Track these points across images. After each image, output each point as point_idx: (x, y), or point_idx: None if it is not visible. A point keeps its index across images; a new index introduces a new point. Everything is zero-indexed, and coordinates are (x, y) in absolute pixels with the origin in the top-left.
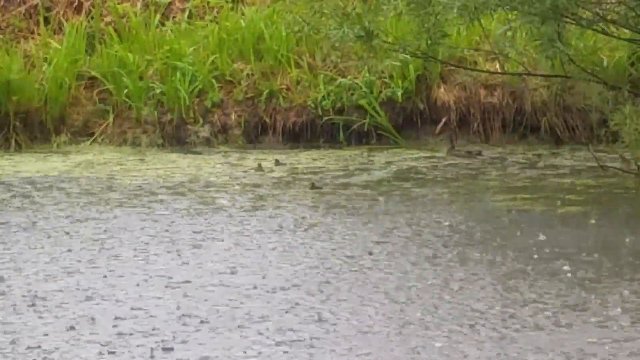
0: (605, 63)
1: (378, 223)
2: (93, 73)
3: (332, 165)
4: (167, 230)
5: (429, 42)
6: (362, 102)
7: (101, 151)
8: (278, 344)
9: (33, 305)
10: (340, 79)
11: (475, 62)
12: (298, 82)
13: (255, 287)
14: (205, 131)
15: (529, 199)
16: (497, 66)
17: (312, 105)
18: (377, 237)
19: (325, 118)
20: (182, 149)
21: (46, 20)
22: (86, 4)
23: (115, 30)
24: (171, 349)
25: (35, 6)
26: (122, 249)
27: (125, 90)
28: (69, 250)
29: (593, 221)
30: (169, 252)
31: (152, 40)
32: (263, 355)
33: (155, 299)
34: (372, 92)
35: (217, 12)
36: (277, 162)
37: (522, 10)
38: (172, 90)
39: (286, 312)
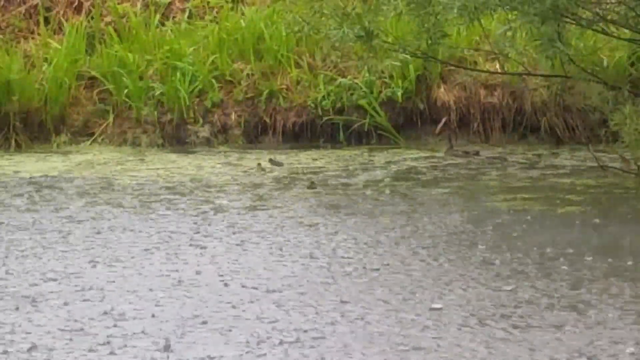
0: (605, 63)
1: (378, 223)
2: (93, 73)
3: (332, 165)
4: (167, 230)
5: (429, 42)
6: (362, 102)
7: (101, 151)
8: (279, 343)
9: (34, 305)
10: (340, 79)
11: (475, 62)
12: (298, 82)
13: (255, 288)
14: (205, 131)
15: (529, 199)
16: (497, 66)
17: (312, 105)
18: (376, 237)
19: (325, 118)
20: (182, 149)
21: (46, 20)
22: (86, 4)
23: (115, 30)
24: (172, 349)
25: (35, 6)
26: (122, 249)
27: (125, 90)
28: (69, 250)
29: (593, 221)
30: (169, 252)
31: (152, 40)
32: (264, 355)
33: (156, 299)
34: (372, 92)
35: (217, 12)
36: (272, 161)
37: (522, 10)
38: (172, 90)
39: (287, 312)
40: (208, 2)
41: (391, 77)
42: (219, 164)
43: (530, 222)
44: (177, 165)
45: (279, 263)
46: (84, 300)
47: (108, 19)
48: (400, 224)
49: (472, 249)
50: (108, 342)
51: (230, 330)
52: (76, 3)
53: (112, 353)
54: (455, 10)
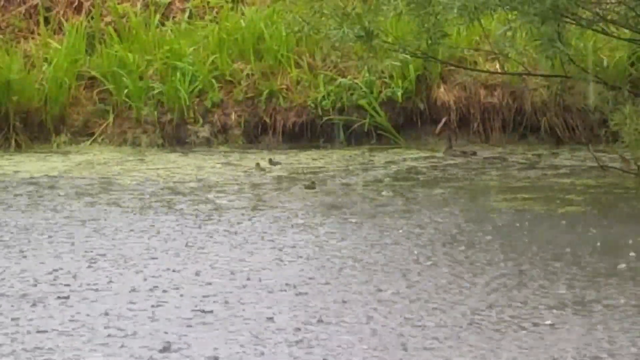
0: (605, 63)
1: (378, 223)
2: (93, 73)
3: (332, 165)
4: (167, 231)
5: (429, 42)
6: (362, 102)
7: (101, 151)
8: (280, 343)
9: (34, 305)
10: (340, 79)
11: (475, 62)
12: (298, 82)
13: (256, 287)
14: (205, 131)
15: (529, 199)
16: (497, 66)
17: (312, 105)
18: (376, 237)
19: (325, 118)
20: (182, 149)
21: (46, 20)
22: (86, 4)
23: (115, 30)
24: (174, 349)
25: (35, 6)
26: (122, 249)
27: (125, 90)
28: (69, 250)
29: (593, 221)
30: (168, 252)
31: (152, 40)
32: (265, 355)
33: (156, 299)
34: (372, 92)
35: (217, 12)
36: (271, 161)
37: (522, 10)
38: (172, 90)
39: (287, 312)
40: (208, 2)
41: (391, 77)
42: (219, 164)
43: (530, 222)
44: (177, 166)
45: (279, 263)
46: (84, 300)
47: (108, 19)
48: (400, 224)
49: (471, 249)
50: (107, 343)
51: (231, 331)
52: (76, 3)
53: (111, 354)
54: (455, 10)
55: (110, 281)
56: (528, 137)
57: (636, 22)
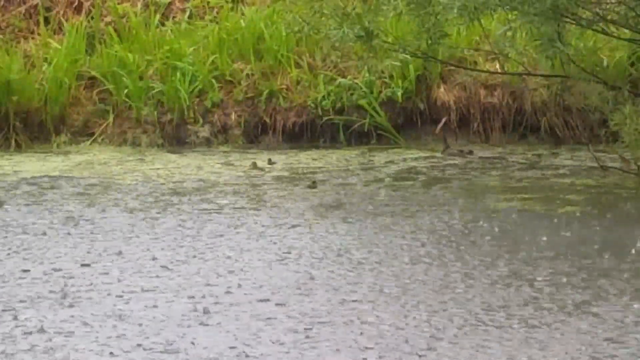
0: (605, 63)
1: (378, 223)
2: (93, 73)
3: (332, 165)
4: (167, 231)
5: (429, 42)
6: (362, 102)
7: (101, 151)
8: (281, 343)
9: (34, 306)
10: (340, 79)
11: (475, 62)
12: (298, 82)
13: (256, 287)
14: (205, 131)
15: (529, 199)
16: (497, 66)
17: (312, 105)
18: (376, 237)
19: (325, 118)
20: (182, 149)
21: (46, 20)
22: (86, 4)
23: (115, 30)
24: (174, 350)
25: (35, 6)
26: (121, 249)
27: (125, 90)
28: (69, 251)
29: (593, 221)
30: (169, 252)
31: (152, 40)
32: (265, 355)
33: (156, 299)
34: (372, 92)
35: (217, 12)
36: (270, 161)
37: (522, 10)
38: (172, 90)
39: (288, 312)
40: (208, 2)
41: (391, 77)
42: (218, 164)
43: (530, 222)
44: (177, 166)
45: (279, 263)
46: (83, 301)
47: (108, 19)
48: (400, 224)
49: (471, 249)
50: (106, 343)
51: (231, 331)
52: (76, 3)
53: (111, 354)
54: (455, 10)
55: (110, 281)
56: (528, 137)
57: (636, 22)
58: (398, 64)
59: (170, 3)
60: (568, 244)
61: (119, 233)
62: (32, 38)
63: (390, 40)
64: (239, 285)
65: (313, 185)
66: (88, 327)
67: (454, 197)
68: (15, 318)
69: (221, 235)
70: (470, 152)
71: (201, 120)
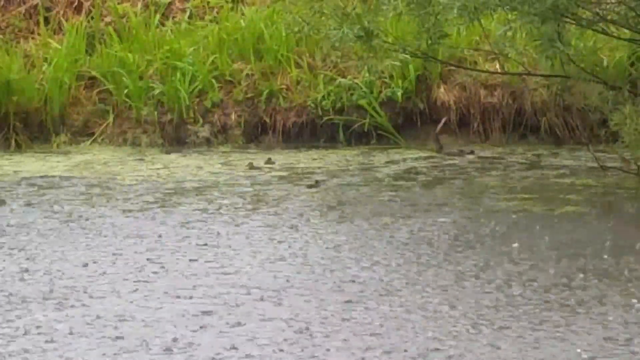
0: (605, 63)
1: (378, 223)
2: (93, 73)
3: (332, 165)
4: (167, 231)
5: (429, 42)
6: (362, 102)
7: (101, 151)
8: (281, 343)
9: (34, 306)
10: (340, 79)
11: (475, 62)
12: (298, 82)
13: (257, 287)
14: (205, 131)
15: (529, 199)
16: (497, 66)
17: (312, 105)
18: (376, 237)
19: (325, 118)
20: (182, 149)
21: (46, 20)
22: (86, 4)
23: (115, 30)
24: (175, 350)
25: (35, 6)
26: (122, 249)
27: (125, 90)
28: (69, 251)
29: (593, 221)
30: (169, 252)
31: (152, 40)
32: (264, 356)
33: (157, 298)
34: (372, 92)
35: (217, 12)
36: (270, 161)
37: (522, 10)
38: (172, 90)
39: (288, 312)
40: (208, 2)
41: (391, 77)
42: (219, 164)
43: (530, 222)
44: (177, 165)
45: (280, 262)
46: (85, 300)
47: (108, 19)
48: (400, 224)
49: (471, 249)
50: (107, 344)
51: (232, 330)
52: (76, 3)
53: (110, 354)
54: (455, 10)
55: (109, 281)
56: (528, 137)
57: (636, 22)
58: (398, 64)
59: (170, 3)
60: (568, 244)
61: (118, 233)
62: (32, 38)
63: (390, 40)
64: (239, 285)
65: (315, 184)
66: (87, 327)
67: (453, 197)
68: (15, 318)
69: (221, 235)
70: (472, 152)
71: (201, 120)
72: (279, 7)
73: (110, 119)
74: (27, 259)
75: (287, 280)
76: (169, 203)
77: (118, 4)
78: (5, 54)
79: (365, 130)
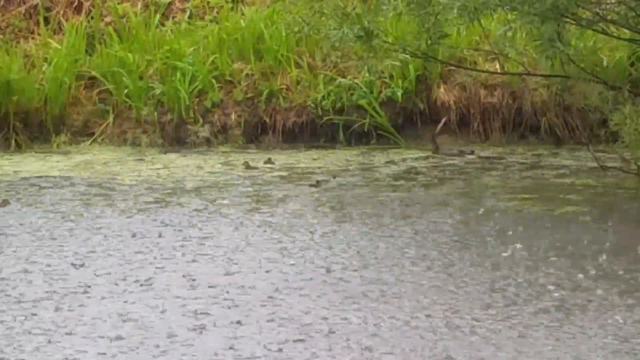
0: (605, 63)
1: (378, 223)
2: (93, 73)
3: (332, 165)
4: (167, 231)
5: (429, 42)
6: (362, 102)
7: (101, 151)
8: (281, 342)
9: (35, 306)
10: (340, 79)
11: (475, 62)
12: (298, 82)
13: (257, 287)
14: (205, 131)
15: (529, 199)
16: (497, 66)
17: (312, 105)
18: (376, 237)
19: (325, 118)
20: (182, 149)
21: (46, 20)
22: (86, 4)
23: (115, 30)
24: (175, 349)
25: (35, 6)
26: (122, 249)
27: (125, 90)
28: (69, 250)
29: (593, 221)
30: (170, 252)
31: (152, 40)
32: (262, 357)
33: (156, 299)
34: (372, 92)
35: (217, 12)
36: (270, 160)
37: (522, 10)
38: (172, 90)
39: (289, 311)
40: (208, 2)
41: (391, 77)
42: (218, 164)
43: (530, 222)
44: (177, 165)
45: (280, 262)
46: (84, 300)
47: (108, 19)
48: (400, 224)
49: (471, 249)
50: (106, 344)
51: (232, 330)
52: (76, 3)
53: (115, 354)
54: (455, 11)
55: (109, 281)
56: (528, 137)
57: (636, 22)
58: (398, 64)
59: (170, 3)
60: (568, 244)
61: (118, 233)
62: (32, 38)
63: (390, 40)
64: (239, 285)
65: (317, 184)
66: (87, 327)
67: (454, 197)
68: (15, 318)
69: (221, 235)
70: (472, 152)
71: (201, 120)
72: (279, 7)
73: (110, 119)
74: (27, 259)
75: (287, 280)
76: (169, 203)
77: (118, 4)
78: (5, 54)
79: (365, 130)
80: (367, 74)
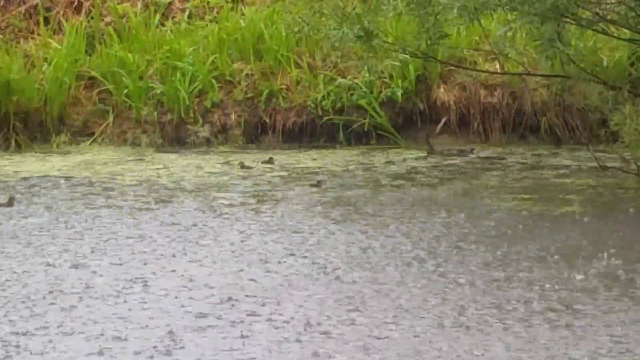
0: (605, 63)
1: (377, 223)
2: (93, 73)
3: (332, 165)
4: (167, 230)
5: (429, 42)
6: (362, 102)
7: (101, 151)
8: (282, 342)
9: (36, 306)
10: (340, 79)
11: (475, 62)
12: (298, 82)
13: (258, 287)
14: (205, 131)
15: (528, 199)
16: (497, 66)
17: (312, 105)
18: (376, 237)
19: (325, 118)
20: (182, 149)
21: (46, 20)
22: (86, 4)
23: (115, 30)
24: (175, 349)
25: (35, 6)
26: (122, 249)
27: (125, 90)
28: (68, 250)
29: (593, 221)
30: (170, 252)
31: (152, 40)
32: (265, 356)
33: (155, 299)
34: (372, 92)
35: (217, 12)
36: (270, 161)
37: (522, 10)
38: (172, 90)
39: (288, 311)
40: (208, 2)
41: (391, 77)
42: (218, 164)
43: (530, 222)
44: (177, 165)
45: (280, 262)
46: (84, 300)
47: (108, 19)
48: (400, 224)
49: (471, 249)
50: (105, 343)
51: (234, 329)
52: (76, 3)
53: (114, 354)
54: (455, 11)
55: (109, 281)
56: (528, 137)
57: (636, 22)
58: (398, 64)
59: (170, 3)
60: (568, 244)
61: (118, 233)
62: (32, 38)
63: (390, 40)
64: (239, 285)
65: (318, 184)
66: (86, 327)
67: (453, 197)
68: (14, 318)
69: (221, 235)
70: (471, 151)
71: (201, 120)
72: (279, 7)
73: (110, 119)
74: (26, 259)
75: (287, 280)
76: (169, 203)
77: (118, 4)
78: (5, 54)
79: (365, 130)
80: (367, 74)
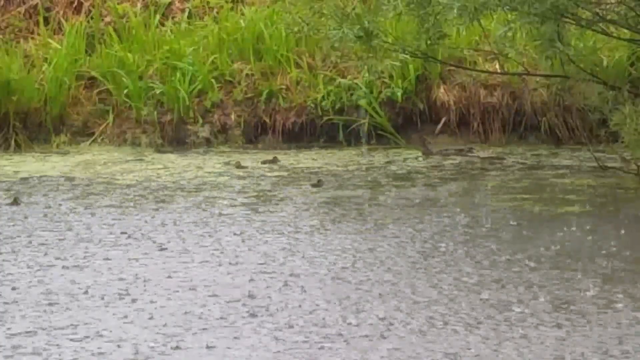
0: (605, 63)
1: (377, 223)
2: (93, 73)
3: (332, 165)
4: (167, 231)
5: (429, 42)
6: (362, 102)
7: (101, 151)
8: (283, 341)
9: (36, 306)
10: (340, 79)
11: (475, 62)
12: (298, 82)
13: (258, 286)
14: (205, 131)
15: (528, 199)
16: (497, 66)
17: (312, 105)
18: (376, 237)
19: (325, 118)
20: (182, 149)
21: (46, 20)
22: (86, 4)
23: (115, 30)
24: (175, 349)
25: (35, 6)
26: (122, 249)
27: (125, 90)
28: (68, 250)
29: (592, 221)
30: (170, 252)
31: (152, 40)
32: (265, 356)
33: (155, 299)
34: (372, 92)
35: (217, 12)
36: (274, 160)
37: (522, 10)
38: (172, 90)
39: (288, 310)
40: (208, 2)
41: (391, 77)
42: (218, 164)
43: (530, 222)
44: (177, 165)
45: (280, 262)
46: (83, 300)
47: (108, 19)
48: (400, 224)
49: (471, 250)
50: (105, 343)
51: (234, 329)
52: (76, 3)
53: (113, 354)
54: (455, 11)
55: (108, 281)
56: (528, 137)
57: (636, 22)
58: (398, 64)
59: (170, 3)
60: (568, 244)
61: (118, 233)
62: (32, 38)
63: (390, 40)
64: (239, 285)
65: (318, 184)
66: (87, 327)
67: (453, 197)
68: (14, 318)
69: (221, 235)
70: (470, 150)
71: (201, 120)
72: (279, 7)
73: (110, 119)
74: (26, 259)
75: (287, 280)
76: (169, 203)
77: (118, 4)
78: (5, 54)
79: (365, 130)
80: (367, 74)
